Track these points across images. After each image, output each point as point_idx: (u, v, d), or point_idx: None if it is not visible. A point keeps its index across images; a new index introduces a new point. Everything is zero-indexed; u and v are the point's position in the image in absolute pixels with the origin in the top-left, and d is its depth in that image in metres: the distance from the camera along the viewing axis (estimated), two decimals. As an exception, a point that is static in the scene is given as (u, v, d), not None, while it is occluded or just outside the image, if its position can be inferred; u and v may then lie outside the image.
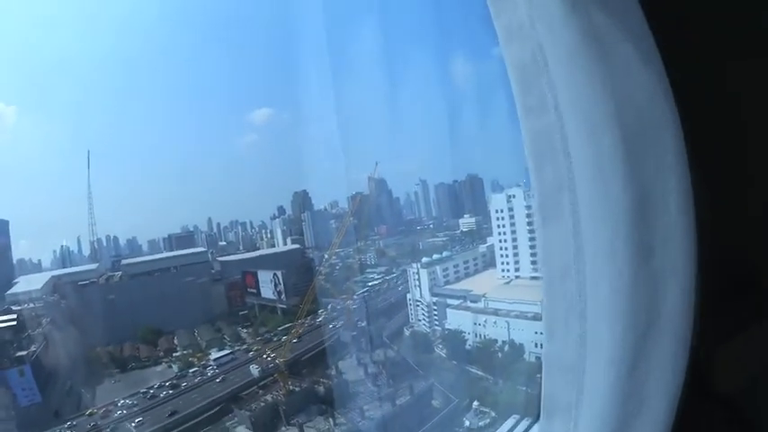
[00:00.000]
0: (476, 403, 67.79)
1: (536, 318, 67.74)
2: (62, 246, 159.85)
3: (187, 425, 78.37)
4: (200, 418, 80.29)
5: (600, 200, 4.22)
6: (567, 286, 4.53)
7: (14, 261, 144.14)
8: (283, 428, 75.67)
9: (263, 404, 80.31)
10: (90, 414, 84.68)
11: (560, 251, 4.53)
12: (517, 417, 56.90)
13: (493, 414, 64.78)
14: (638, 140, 4.11)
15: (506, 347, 73.76)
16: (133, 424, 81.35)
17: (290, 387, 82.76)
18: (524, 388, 60.49)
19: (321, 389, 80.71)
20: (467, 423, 65.44)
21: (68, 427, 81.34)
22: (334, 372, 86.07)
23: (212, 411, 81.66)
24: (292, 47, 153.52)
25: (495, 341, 75.57)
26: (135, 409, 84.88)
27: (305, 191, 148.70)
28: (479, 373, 73.82)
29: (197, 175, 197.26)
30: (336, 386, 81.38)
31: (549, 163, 4.47)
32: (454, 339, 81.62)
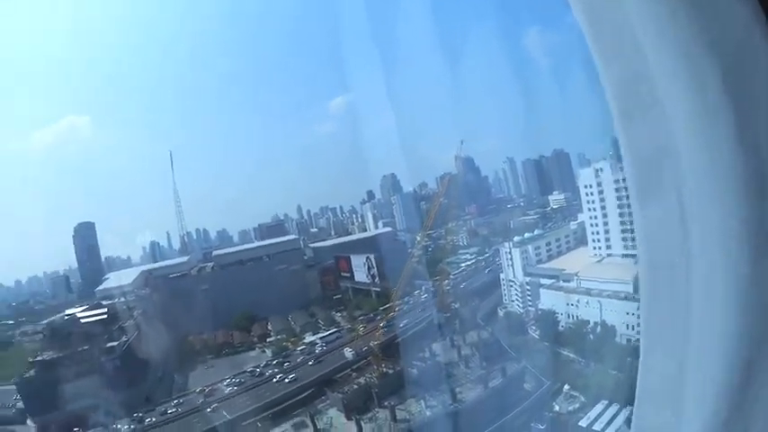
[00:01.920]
0: (566, 387, 66.10)
1: (627, 298, 66.56)
2: (151, 242, 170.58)
3: (275, 409, 79.18)
4: (290, 402, 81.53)
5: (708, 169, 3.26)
6: (671, 288, 3.67)
7: (103, 259, 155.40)
8: (375, 410, 75.61)
9: (355, 387, 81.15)
10: (199, 392, 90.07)
11: (663, 238, 3.65)
12: (605, 402, 55.01)
13: (582, 399, 62.80)
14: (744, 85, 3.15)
15: (598, 329, 72.15)
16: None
17: (384, 369, 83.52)
18: (614, 372, 57.77)
19: (414, 371, 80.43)
20: (556, 407, 63.51)
21: (175, 405, 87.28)
22: (427, 354, 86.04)
23: (304, 395, 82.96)
24: (369, 28, 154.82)
25: (587, 322, 74.18)
26: (228, 390, 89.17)
27: (393, 174, 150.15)
28: (571, 355, 72.59)
29: (285, 164, 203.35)
30: (429, 368, 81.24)
31: (640, 119, 3.59)
32: (547, 320, 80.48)
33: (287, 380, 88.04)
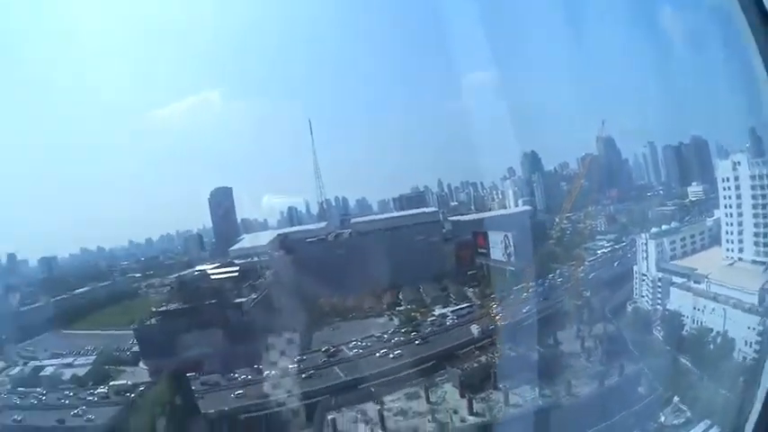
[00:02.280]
0: (676, 398, 62.09)
1: (751, 311, 62.05)
2: (289, 206, 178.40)
3: (392, 377, 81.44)
4: (408, 371, 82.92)
5: None
6: None
7: (239, 221, 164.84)
8: (489, 392, 75.29)
9: (475, 365, 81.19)
10: (325, 351, 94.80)
11: None
12: (708, 423, 50.94)
13: (688, 414, 58.42)
14: None
15: (719, 339, 67.25)
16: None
17: (506, 351, 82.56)
18: (725, 392, 53.18)
19: (534, 356, 78.93)
20: (662, 419, 59.83)
21: (297, 361, 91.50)
22: (551, 341, 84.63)
23: (424, 366, 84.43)
24: (511, 3, 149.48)
25: (710, 330, 69.26)
26: (351, 353, 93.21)
27: (534, 151, 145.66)
28: (688, 364, 67.97)
29: (428, 136, 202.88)
30: (550, 356, 79.90)
31: None
32: (672, 322, 76.39)
33: (408, 349, 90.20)
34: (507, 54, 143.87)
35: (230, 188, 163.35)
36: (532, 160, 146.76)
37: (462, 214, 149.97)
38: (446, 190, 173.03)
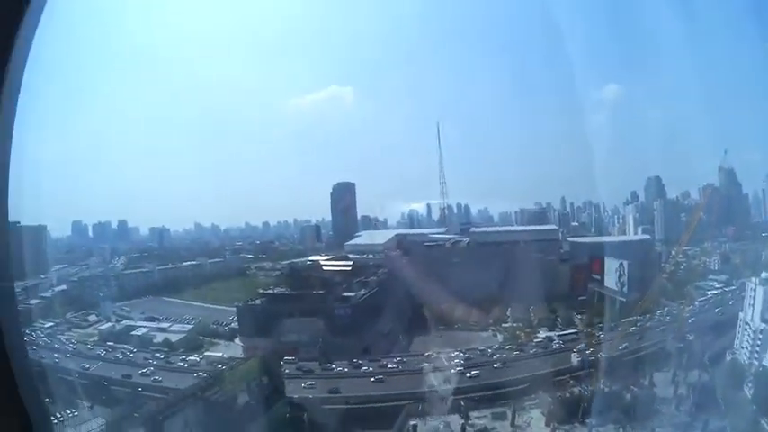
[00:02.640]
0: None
1: None
2: (410, 208, 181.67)
3: (482, 393, 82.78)
4: (503, 390, 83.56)
5: None
6: None
7: (359, 217, 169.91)
8: (575, 425, 75.04)
9: (567, 395, 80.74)
10: (423, 356, 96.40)
11: None
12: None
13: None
14: None
15: None
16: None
17: (600, 385, 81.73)
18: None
19: (627, 396, 78.52)
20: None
21: (394, 362, 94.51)
22: (647, 382, 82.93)
23: (519, 387, 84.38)
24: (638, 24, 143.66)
25: None
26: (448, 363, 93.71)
27: (658, 177, 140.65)
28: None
29: (554, 151, 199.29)
30: (643, 398, 78.47)
31: None
32: (764, 381, 72.59)
33: (505, 367, 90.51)
34: (638, 75, 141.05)
35: (353, 183, 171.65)
36: (656, 186, 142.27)
37: (582, 235, 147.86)
38: (568, 209, 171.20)
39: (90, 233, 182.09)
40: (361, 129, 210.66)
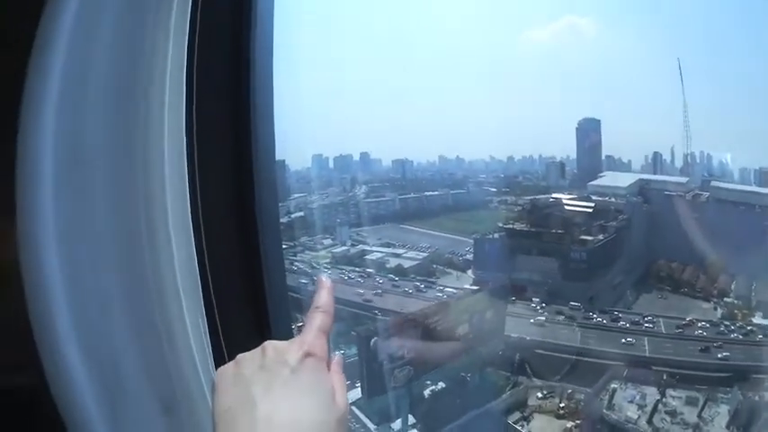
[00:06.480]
0: None
1: None
2: (655, 152, 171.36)
3: (691, 372, 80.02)
4: (705, 374, 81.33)
5: None
6: None
7: (603, 157, 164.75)
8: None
9: (757, 397, 77.01)
10: (640, 316, 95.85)
11: None
12: None
13: None
14: None
15: None
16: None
17: None
18: None
19: None
20: None
21: (612, 318, 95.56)
22: None
23: (719, 374, 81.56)
24: None
25: None
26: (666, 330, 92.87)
27: None
28: None
29: None
30: None
31: None
32: None
33: (715, 348, 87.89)
34: None
35: (599, 120, 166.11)
36: None
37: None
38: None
39: (331, 165, 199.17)
40: (608, 62, 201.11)
